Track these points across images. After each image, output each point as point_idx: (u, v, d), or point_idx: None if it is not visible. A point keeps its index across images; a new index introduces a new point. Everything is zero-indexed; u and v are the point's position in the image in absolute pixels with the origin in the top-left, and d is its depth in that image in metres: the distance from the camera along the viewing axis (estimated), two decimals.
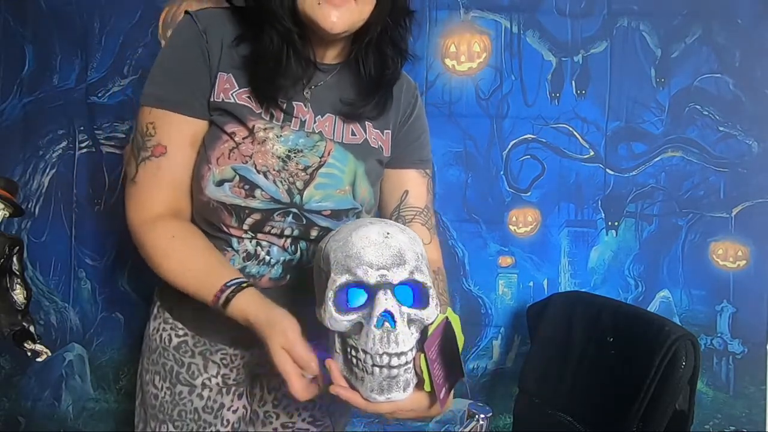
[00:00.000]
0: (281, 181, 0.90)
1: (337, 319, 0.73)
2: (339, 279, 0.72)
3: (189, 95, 0.89)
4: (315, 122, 0.94)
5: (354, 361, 0.73)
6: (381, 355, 0.70)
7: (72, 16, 1.44)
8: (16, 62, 1.46)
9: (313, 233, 0.94)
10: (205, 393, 0.99)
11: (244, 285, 0.83)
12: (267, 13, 0.87)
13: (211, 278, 0.85)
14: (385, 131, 1.00)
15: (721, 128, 1.41)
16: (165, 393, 0.99)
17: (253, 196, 0.89)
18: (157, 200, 0.89)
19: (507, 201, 1.47)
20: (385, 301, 0.71)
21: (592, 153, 1.45)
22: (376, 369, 0.71)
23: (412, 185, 1.05)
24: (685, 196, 1.43)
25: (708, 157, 1.42)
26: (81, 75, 1.46)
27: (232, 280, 0.83)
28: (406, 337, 0.72)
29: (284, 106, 0.92)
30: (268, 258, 0.93)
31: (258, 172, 0.89)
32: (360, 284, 0.72)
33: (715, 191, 1.42)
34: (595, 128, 1.44)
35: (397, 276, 0.72)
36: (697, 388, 1.09)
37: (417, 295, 0.75)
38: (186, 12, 0.92)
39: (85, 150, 1.47)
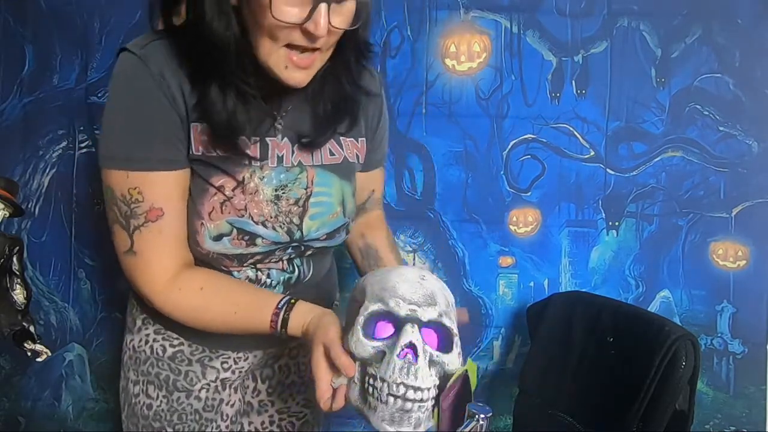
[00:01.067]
0: (280, 225, 0.89)
1: (363, 343, 0.74)
2: (371, 306, 0.74)
3: (170, 150, 0.82)
4: (293, 154, 0.90)
5: (370, 390, 0.73)
6: (398, 385, 0.71)
7: (72, 16, 1.44)
8: (16, 62, 1.47)
9: (308, 252, 0.96)
10: (203, 394, 0.99)
11: (293, 301, 0.84)
12: (221, 71, 0.78)
13: (259, 311, 0.84)
14: (360, 139, 0.99)
15: (721, 128, 1.41)
16: (161, 401, 0.98)
17: (255, 244, 0.88)
18: (168, 263, 0.85)
19: (507, 201, 1.47)
20: (411, 334, 0.72)
21: (592, 153, 1.45)
22: (391, 398, 0.72)
23: (377, 183, 1.08)
24: (685, 196, 1.43)
25: (708, 157, 1.42)
26: (81, 75, 1.46)
27: (280, 302, 0.83)
28: (426, 375, 0.73)
29: (258, 145, 0.87)
30: (269, 281, 0.94)
31: (256, 223, 0.87)
32: (389, 316, 0.74)
33: (715, 191, 1.42)
34: (596, 128, 1.44)
35: (427, 314, 0.74)
36: (697, 388, 1.09)
37: (441, 341, 0.77)
38: (125, 50, 0.81)
39: (85, 150, 1.47)
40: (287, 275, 0.95)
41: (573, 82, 1.44)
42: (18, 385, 1.53)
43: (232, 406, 1.03)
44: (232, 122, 0.81)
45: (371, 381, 0.73)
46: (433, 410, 0.75)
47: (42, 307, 1.49)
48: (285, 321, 0.82)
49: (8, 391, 1.53)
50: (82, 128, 1.46)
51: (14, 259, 1.09)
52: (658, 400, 1.06)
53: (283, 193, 0.89)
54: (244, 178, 0.86)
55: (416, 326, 0.73)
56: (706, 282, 1.43)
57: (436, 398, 0.75)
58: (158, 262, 0.84)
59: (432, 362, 0.74)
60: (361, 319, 0.74)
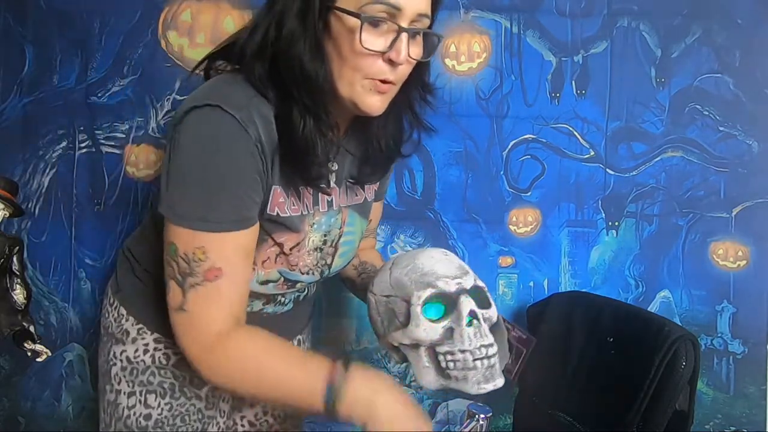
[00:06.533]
0: (316, 269, 0.94)
1: (431, 327, 0.82)
2: (424, 294, 0.82)
3: (248, 212, 0.80)
4: (339, 196, 0.94)
5: (451, 365, 0.81)
6: (479, 348, 0.80)
7: (72, 16, 1.44)
8: (16, 62, 1.46)
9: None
10: (203, 392, 0.99)
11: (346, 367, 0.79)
12: (296, 101, 0.79)
13: (310, 381, 0.79)
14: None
15: (721, 128, 1.41)
16: (162, 409, 0.97)
17: (294, 287, 0.94)
18: (218, 321, 0.80)
19: (507, 201, 1.47)
20: (468, 303, 0.82)
21: (592, 153, 1.45)
22: (478, 362, 0.80)
23: (376, 215, 1.13)
24: (685, 196, 1.43)
25: (708, 157, 1.42)
26: (81, 75, 1.46)
27: (329, 382, 0.77)
28: (488, 332, 0.83)
29: (312, 191, 0.88)
30: (283, 299, 0.98)
31: (302, 273, 0.92)
32: (440, 296, 0.83)
33: (715, 191, 1.42)
34: (595, 128, 1.44)
35: (468, 282, 0.85)
36: (697, 388, 1.09)
37: (477, 299, 0.86)
38: (218, 107, 0.75)
39: (85, 150, 1.47)
40: (298, 293, 1.00)
41: (573, 82, 1.44)
42: (18, 385, 1.53)
43: (227, 402, 1.04)
44: (310, 145, 0.81)
45: (448, 357, 0.81)
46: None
47: (42, 307, 1.49)
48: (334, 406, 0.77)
49: (8, 391, 1.53)
50: (82, 128, 1.46)
51: (14, 259, 1.09)
52: (658, 400, 1.06)
53: (328, 237, 0.93)
54: (306, 233, 0.89)
55: (468, 295, 0.83)
56: (706, 282, 1.43)
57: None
58: (209, 321, 0.80)
59: (485, 319, 0.84)
60: (418, 309, 0.82)
